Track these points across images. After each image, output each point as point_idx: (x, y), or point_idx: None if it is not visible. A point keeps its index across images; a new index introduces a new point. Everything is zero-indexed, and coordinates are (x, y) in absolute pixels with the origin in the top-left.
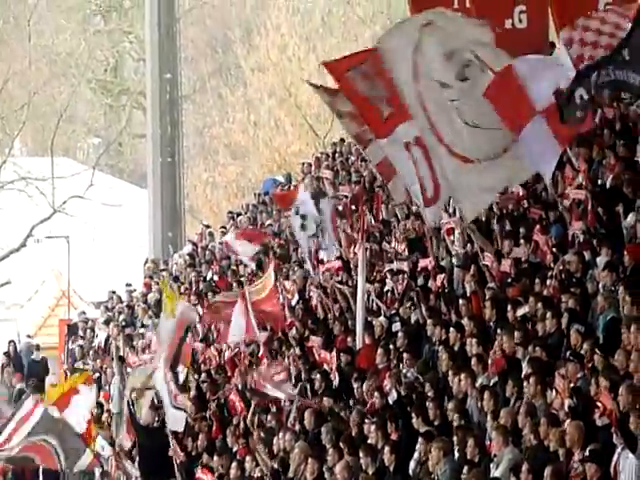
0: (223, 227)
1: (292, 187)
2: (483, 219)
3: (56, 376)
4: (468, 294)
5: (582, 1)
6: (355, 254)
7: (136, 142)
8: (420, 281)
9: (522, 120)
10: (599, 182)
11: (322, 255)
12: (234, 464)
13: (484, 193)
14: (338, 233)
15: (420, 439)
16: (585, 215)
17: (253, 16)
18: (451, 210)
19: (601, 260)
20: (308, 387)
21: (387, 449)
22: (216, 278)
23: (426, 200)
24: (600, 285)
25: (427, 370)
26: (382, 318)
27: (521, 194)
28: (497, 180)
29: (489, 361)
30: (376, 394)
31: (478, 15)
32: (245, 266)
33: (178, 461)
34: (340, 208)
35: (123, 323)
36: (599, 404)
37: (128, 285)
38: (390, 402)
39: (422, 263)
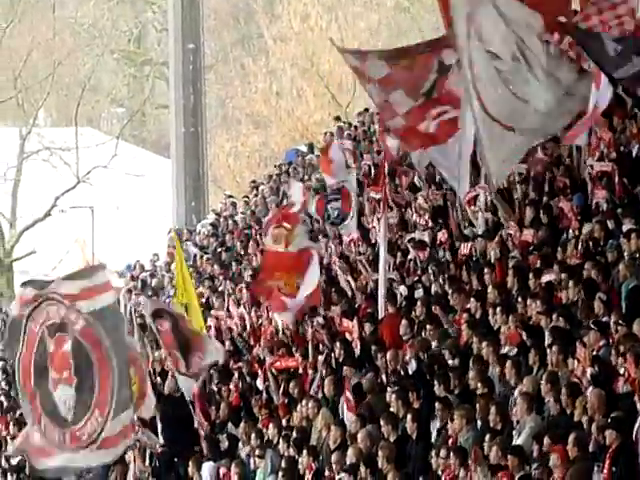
0: (246, 197)
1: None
2: (504, 185)
3: None
4: (492, 262)
5: None
6: (374, 224)
7: (159, 112)
8: (441, 252)
9: None
10: (622, 149)
11: (342, 231)
12: (253, 434)
13: (511, 156)
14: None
15: (438, 405)
16: (611, 186)
17: None
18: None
19: (625, 228)
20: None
21: (409, 417)
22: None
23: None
24: (625, 254)
25: (446, 338)
26: (403, 287)
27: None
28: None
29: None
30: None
31: None
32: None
33: (203, 430)
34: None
35: (149, 292)
36: (623, 371)
37: (154, 255)
38: (410, 372)
39: (441, 235)
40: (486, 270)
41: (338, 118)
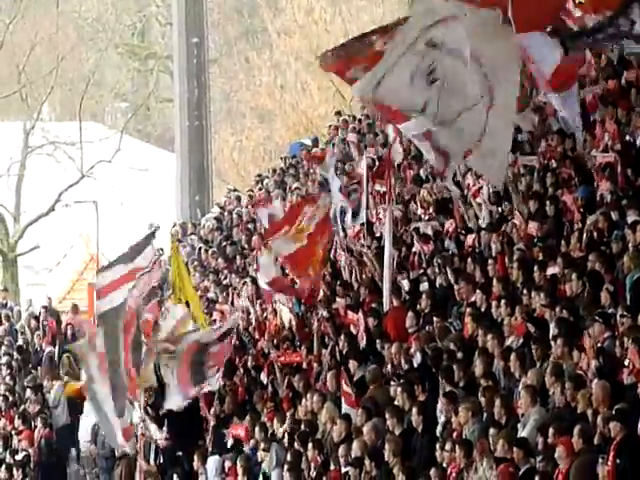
0: (250, 190)
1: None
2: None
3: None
4: (494, 255)
5: None
6: (379, 217)
7: (163, 106)
8: (446, 243)
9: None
10: (627, 139)
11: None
12: (257, 428)
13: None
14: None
15: (443, 400)
16: (614, 177)
17: None
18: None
19: (629, 220)
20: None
21: (415, 410)
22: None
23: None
24: (630, 245)
25: (448, 333)
26: (407, 281)
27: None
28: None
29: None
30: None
31: None
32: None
33: (209, 424)
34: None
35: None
36: (627, 363)
37: (159, 249)
38: (415, 365)
39: (447, 225)
40: (490, 262)
41: (339, 113)
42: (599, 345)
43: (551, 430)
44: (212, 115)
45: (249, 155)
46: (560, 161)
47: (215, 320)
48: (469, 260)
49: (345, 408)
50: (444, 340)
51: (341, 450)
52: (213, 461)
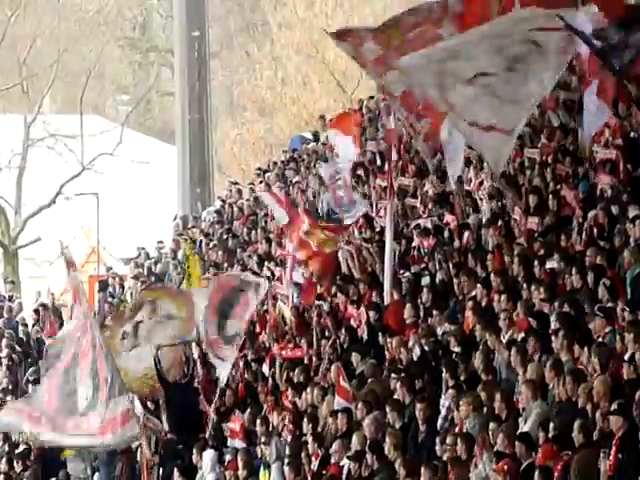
0: (251, 184)
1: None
2: (512, 173)
3: None
4: (491, 249)
5: None
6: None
7: (164, 99)
8: (446, 237)
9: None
10: (629, 136)
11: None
12: (258, 420)
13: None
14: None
15: (449, 392)
16: (615, 172)
17: None
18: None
19: (630, 215)
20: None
21: (418, 404)
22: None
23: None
24: (631, 240)
25: (454, 321)
26: (409, 274)
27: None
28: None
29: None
30: (402, 350)
31: None
32: (273, 219)
33: (209, 417)
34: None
35: (153, 279)
36: (628, 357)
37: (160, 242)
38: (414, 358)
39: (448, 218)
40: (489, 257)
41: (322, 117)
42: (600, 340)
43: (551, 425)
44: (213, 108)
45: (250, 148)
46: (559, 155)
47: None
48: (470, 254)
49: (338, 402)
50: (446, 324)
51: (341, 444)
52: (209, 455)
